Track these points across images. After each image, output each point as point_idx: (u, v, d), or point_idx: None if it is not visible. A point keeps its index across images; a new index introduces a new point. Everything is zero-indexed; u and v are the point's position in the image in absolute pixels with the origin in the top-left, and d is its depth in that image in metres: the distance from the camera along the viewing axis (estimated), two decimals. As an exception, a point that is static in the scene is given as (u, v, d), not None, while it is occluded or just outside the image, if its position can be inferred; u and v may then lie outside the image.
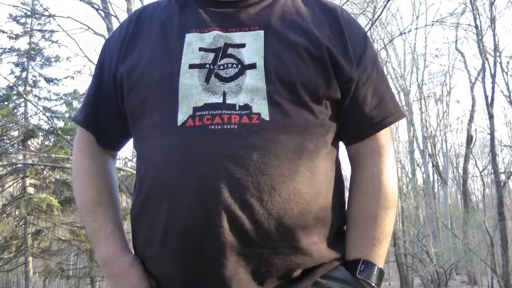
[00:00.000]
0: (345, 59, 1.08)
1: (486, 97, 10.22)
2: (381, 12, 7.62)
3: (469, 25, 12.28)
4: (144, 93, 1.07)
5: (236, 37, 1.07)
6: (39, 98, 14.39)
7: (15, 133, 12.22)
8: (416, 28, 13.51)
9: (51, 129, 12.28)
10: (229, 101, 1.01)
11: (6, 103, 13.12)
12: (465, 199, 16.23)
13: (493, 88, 10.06)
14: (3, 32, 13.39)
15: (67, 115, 13.59)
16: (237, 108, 1.00)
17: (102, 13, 6.99)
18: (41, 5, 9.76)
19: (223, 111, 1.00)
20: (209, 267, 0.97)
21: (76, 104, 13.57)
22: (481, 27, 10.47)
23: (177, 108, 1.02)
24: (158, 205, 1.00)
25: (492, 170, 10.55)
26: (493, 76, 10.17)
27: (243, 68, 1.04)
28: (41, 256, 12.83)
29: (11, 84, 12.59)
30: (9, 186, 13.70)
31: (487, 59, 10.51)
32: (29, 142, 12.49)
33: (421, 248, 11.78)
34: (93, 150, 1.20)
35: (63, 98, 14.34)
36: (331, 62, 1.06)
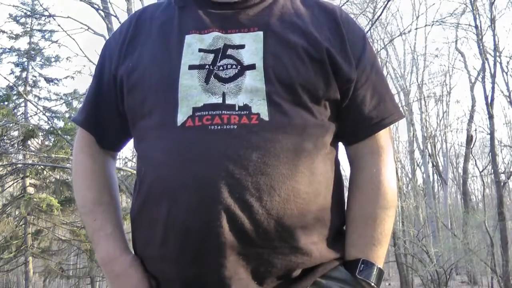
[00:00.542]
0: (344, 60, 1.08)
1: (486, 97, 10.22)
2: (381, 12, 7.63)
3: (469, 25, 12.29)
4: (144, 94, 1.07)
5: (236, 38, 1.07)
6: (39, 98, 14.40)
7: (15, 133, 12.23)
8: (416, 28, 13.49)
9: (51, 129, 12.28)
10: (228, 101, 1.01)
11: (6, 103, 13.11)
12: (465, 199, 16.22)
13: (493, 88, 10.06)
14: (3, 32, 13.40)
15: (67, 115, 13.59)
16: (237, 109, 1.00)
17: (102, 13, 6.99)
18: (41, 5, 9.78)
19: (223, 112, 1.00)
20: (208, 267, 0.97)
21: (76, 104, 13.58)
22: (481, 27, 10.47)
23: (177, 108, 1.02)
24: (158, 205, 1.01)
25: (492, 170, 10.55)
26: (493, 76, 10.17)
27: (243, 69, 1.04)
28: (41, 256, 12.83)
29: (11, 84, 12.60)
30: (9, 186, 13.71)
31: (487, 59, 10.51)
32: (29, 142, 12.49)
33: (421, 248, 11.77)
34: (93, 150, 1.20)
35: (63, 98, 14.35)
36: (330, 63, 1.07)
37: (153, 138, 1.05)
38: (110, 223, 1.14)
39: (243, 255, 0.97)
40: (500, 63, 10.85)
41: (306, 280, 1.02)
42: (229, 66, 1.05)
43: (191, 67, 1.05)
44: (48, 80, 14.43)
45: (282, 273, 1.00)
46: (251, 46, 1.06)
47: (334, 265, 1.06)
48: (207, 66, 1.05)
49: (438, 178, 18.86)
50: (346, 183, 1.18)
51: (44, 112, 11.78)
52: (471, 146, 15.26)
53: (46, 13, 9.83)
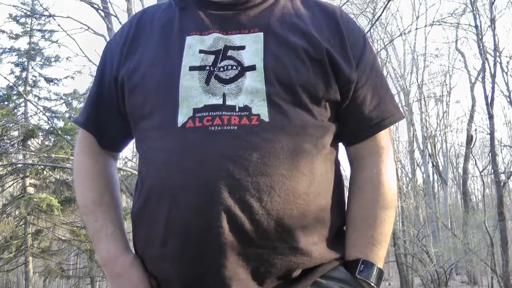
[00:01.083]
0: (344, 60, 1.08)
1: (486, 97, 10.22)
2: (381, 12, 7.62)
3: (469, 25, 12.29)
4: (145, 95, 1.08)
5: (236, 39, 1.07)
6: (39, 98, 14.39)
7: (15, 133, 12.21)
8: (416, 28, 13.50)
9: (51, 129, 12.27)
10: (229, 102, 1.01)
11: (6, 103, 13.11)
12: (465, 199, 16.22)
13: (493, 88, 10.06)
14: (3, 32, 13.39)
15: (67, 115, 13.58)
16: (237, 110, 1.01)
17: (102, 13, 6.99)
18: (41, 5, 9.75)
19: (223, 113, 1.00)
20: (209, 267, 0.97)
21: (76, 104, 13.57)
22: (481, 27, 10.47)
23: (177, 109, 1.02)
24: (158, 205, 1.01)
25: (492, 170, 10.55)
26: (493, 76, 10.17)
27: (243, 70, 1.04)
28: (41, 256, 12.83)
29: (11, 84, 12.59)
30: (9, 186, 13.70)
31: (487, 59, 10.51)
32: (29, 142, 12.48)
33: (421, 248, 11.78)
34: (94, 151, 1.20)
35: (63, 98, 14.33)
36: (330, 64, 1.07)
37: (154, 138, 1.05)
38: (111, 223, 1.14)
39: (243, 255, 0.97)
40: (500, 63, 10.86)
41: (306, 280, 1.03)
42: (229, 67, 1.05)
43: (192, 68, 1.05)
44: (48, 80, 14.42)
45: (282, 273, 1.00)
46: (251, 47, 1.06)
47: (334, 265, 1.06)
48: (207, 67, 1.05)
49: (438, 178, 18.86)
50: (346, 183, 1.18)
51: (44, 112, 11.78)
52: (471, 146, 15.26)
53: (46, 13, 9.81)
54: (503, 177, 11.34)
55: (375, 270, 1.07)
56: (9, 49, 13.85)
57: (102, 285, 14.64)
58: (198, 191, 0.97)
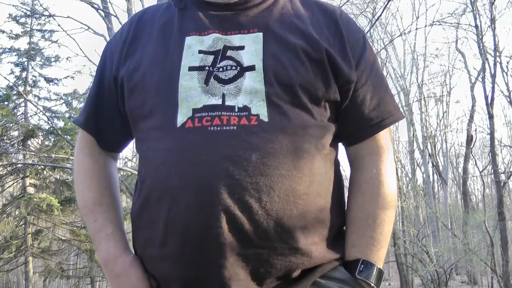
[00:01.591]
0: (344, 60, 1.08)
1: (486, 97, 10.22)
2: (381, 12, 7.62)
3: (469, 25, 12.31)
4: (145, 95, 1.08)
5: (235, 39, 1.07)
6: (39, 98, 14.38)
7: (15, 133, 12.21)
8: (416, 28, 13.52)
9: (51, 129, 12.27)
10: (228, 103, 1.01)
11: (6, 103, 13.10)
12: (465, 199, 16.23)
13: (493, 88, 10.06)
14: (3, 32, 13.38)
15: (67, 115, 13.58)
16: (236, 110, 1.01)
17: (102, 13, 6.99)
18: (41, 5, 9.75)
19: (222, 113, 1.00)
20: (208, 267, 0.97)
21: (76, 104, 13.57)
22: (481, 27, 10.47)
23: (177, 109, 1.02)
24: (158, 205, 1.01)
25: (492, 170, 10.55)
26: (493, 76, 10.17)
27: (242, 70, 1.04)
28: (41, 256, 12.82)
29: (11, 84, 12.58)
30: (9, 186, 13.69)
31: (487, 59, 10.51)
32: (29, 142, 12.48)
33: (421, 248, 11.78)
34: (94, 151, 1.20)
35: (63, 98, 14.33)
36: (329, 64, 1.07)
37: (153, 139, 1.05)
38: (110, 224, 1.14)
39: (242, 255, 0.97)
40: (500, 63, 10.86)
41: (306, 280, 1.02)
42: (228, 68, 1.05)
43: (191, 69, 1.05)
44: (48, 80, 14.42)
45: (282, 273, 1.00)
46: (250, 47, 1.06)
47: (334, 266, 1.06)
48: (207, 68, 1.05)
49: (438, 178, 18.86)
50: (346, 183, 1.18)
51: (44, 112, 11.78)
52: (471, 146, 15.27)
53: (46, 13, 9.82)
54: (503, 177, 11.34)
55: (375, 270, 1.07)
56: (9, 49, 13.85)
57: (102, 285, 14.64)
58: (197, 192, 0.97)
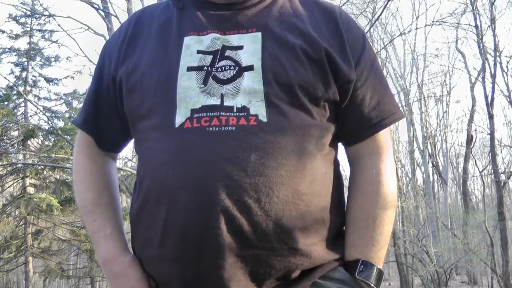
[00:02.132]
0: (343, 60, 1.08)
1: (486, 97, 10.22)
2: (381, 12, 7.62)
3: (469, 25, 12.31)
4: (143, 96, 1.07)
5: (234, 39, 1.07)
6: (39, 98, 14.38)
7: (15, 133, 12.22)
8: (416, 28, 13.51)
9: (51, 129, 12.27)
10: (226, 103, 1.01)
11: (6, 103, 13.10)
12: (465, 199, 16.22)
13: (493, 88, 10.06)
14: (3, 32, 13.38)
15: (67, 115, 13.59)
16: (235, 110, 1.00)
17: (102, 13, 6.99)
18: (41, 5, 9.75)
19: (221, 113, 1.00)
20: (207, 268, 0.97)
21: (76, 104, 13.57)
22: (481, 27, 10.47)
23: (175, 110, 1.02)
24: (156, 206, 1.01)
25: (492, 170, 10.55)
26: (493, 76, 10.17)
27: (241, 70, 1.04)
28: (41, 256, 12.82)
29: (11, 84, 12.59)
30: (9, 186, 13.69)
31: (487, 59, 10.52)
32: (29, 142, 12.48)
33: (421, 248, 11.78)
34: (93, 151, 1.20)
35: (63, 98, 14.33)
36: (329, 63, 1.06)
37: (152, 139, 1.05)
38: (109, 224, 1.14)
39: (241, 256, 0.97)
40: (500, 63, 10.87)
41: (305, 281, 1.02)
42: (227, 68, 1.04)
43: (190, 69, 1.05)
44: (48, 80, 14.42)
45: (281, 274, 1.00)
46: (249, 47, 1.06)
47: (334, 266, 1.06)
48: (205, 68, 1.05)
49: (438, 178, 18.85)
50: (346, 183, 1.18)
51: (44, 112, 11.78)
52: (471, 146, 15.27)
53: (46, 12, 9.82)
54: (503, 177, 11.33)
55: (374, 271, 1.06)
56: (9, 49, 13.85)
57: (102, 285, 14.65)
58: (196, 192, 0.96)
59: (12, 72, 14.21)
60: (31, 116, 13.84)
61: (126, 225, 1.30)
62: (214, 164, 0.96)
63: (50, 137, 13.10)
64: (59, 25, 9.54)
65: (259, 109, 1.00)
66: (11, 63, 14.22)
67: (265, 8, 1.12)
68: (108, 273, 1.12)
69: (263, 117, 1.00)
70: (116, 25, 6.85)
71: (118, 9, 10.95)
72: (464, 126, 16.41)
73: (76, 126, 1.25)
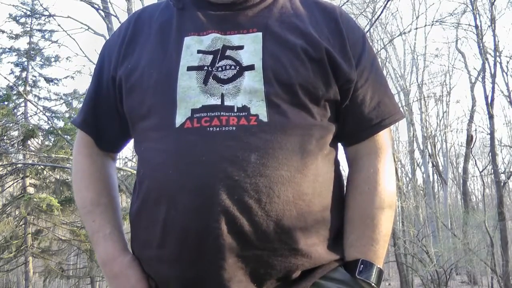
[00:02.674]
0: (344, 60, 1.08)
1: (486, 97, 10.23)
2: (381, 12, 7.62)
3: (469, 25, 12.32)
4: (143, 95, 1.07)
5: (235, 39, 1.07)
6: (39, 98, 14.39)
7: (15, 133, 12.22)
8: (416, 28, 13.50)
9: (51, 129, 12.27)
10: (227, 103, 1.01)
11: (6, 103, 13.09)
12: (465, 199, 16.23)
13: (493, 88, 10.07)
14: (3, 32, 13.38)
15: (67, 115, 13.60)
16: (235, 110, 1.00)
17: (102, 13, 6.99)
18: (41, 5, 9.76)
19: (221, 113, 1.00)
20: (207, 269, 0.97)
21: (76, 104, 13.58)
22: (481, 27, 10.47)
23: (175, 110, 1.02)
24: (156, 206, 1.01)
25: (492, 170, 10.55)
26: (493, 76, 10.18)
27: (241, 69, 1.03)
28: (41, 256, 12.82)
29: (11, 84, 12.58)
30: (9, 186, 13.70)
31: (487, 59, 10.52)
32: (29, 142, 12.47)
33: (421, 248, 11.78)
34: (92, 151, 1.20)
35: (63, 98, 14.34)
36: (329, 63, 1.06)
37: (151, 139, 1.05)
38: (108, 224, 1.14)
39: (242, 257, 0.96)
40: (500, 63, 10.87)
41: (306, 281, 1.02)
42: (227, 67, 1.04)
43: (190, 68, 1.05)
44: (48, 80, 14.42)
45: (282, 275, 1.00)
46: (250, 47, 1.05)
47: (334, 266, 1.06)
48: (205, 67, 1.05)
49: (438, 178, 18.86)
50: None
51: (44, 112, 11.79)
52: (471, 146, 15.27)
53: (46, 12, 9.83)
54: (503, 177, 11.34)
55: (374, 270, 1.06)
56: (9, 49, 13.85)
57: (102, 285, 14.65)
58: (196, 193, 0.96)
59: (12, 72, 14.22)
60: (31, 116, 13.84)
61: (126, 225, 1.30)
62: (214, 164, 0.96)
63: (50, 137, 13.10)
64: (59, 25, 9.52)
65: (259, 109, 1.00)
66: (11, 63, 14.23)
67: (266, 8, 1.12)
68: (107, 273, 1.12)
69: (263, 117, 1.00)
70: (116, 25, 6.85)
71: (118, 9, 10.94)
72: (464, 126, 16.44)
73: (75, 126, 1.25)
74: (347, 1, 7.88)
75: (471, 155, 15.31)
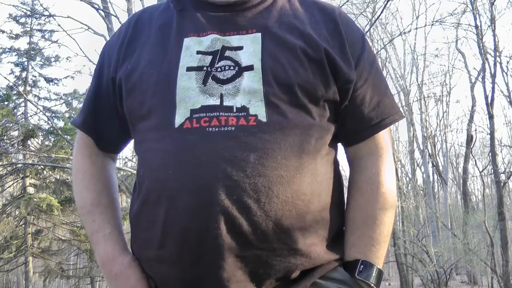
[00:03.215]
0: (343, 60, 1.08)
1: (486, 97, 10.21)
2: (381, 12, 7.62)
3: (469, 25, 12.31)
4: (142, 96, 1.07)
5: (234, 40, 1.07)
6: (39, 98, 14.40)
7: (15, 133, 12.23)
8: (416, 28, 13.49)
9: (51, 129, 12.29)
10: (226, 103, 1.01)
11: (6, 103, 13.10)
12: (465, 199, 16.22)
13: (493, 88, 10.05)
14: (3, 32, 13.39)
15: (67, 115, 13.61)
16: (234, 110, 1.00)
17: (102, 13, 6.99)
18: (41, 5, 9.75)
19: (220, 113, 1.00)
20: (207, 269, 0.97)
21: (76, 104, 13.60)
22: (481, 27, 10.46)
23: (175, 110, 1.02)
24: (156, 207, 1.01)
25: (492, 170, 10.55)
26: (493, 76, 10.16)
27: (241, 70, 1.04)
28: (41, 256, 12.83)
29: (11, 84, 12.59)
30: (9, 186, 13.71)
31: (487, 59, 10.51)
32: (29, 142, 12.49)
33: (421, 248, 11.78)
34: (92, 152, 1.20)
35: (63, 98, 14.36)
36: (329, 63, 1.06)
37: (151, 140, 1.05)
38: (108, 224, 1.14)
39: (241, 257, 0.97)
40: (500, 63, 10.86)
41: (305, 281, 1.02)
42: (227, 68, 1.04)
43: (189, 69, 1.05)
44: (48, 80, 14.43)
45: (281, 274, 1.00)
46: (249, 47, 1.06)
47: (333, 266, 1.06)
48: (205, 68, 1.05)
49: (438, 178, 18.85)
50: (346, 183, 1.18)
51: (44, 112, 11.79)
52: (471, 146, 15.26)
53: (46, 12, 9.83)
54: (503, 177, 11.32)
55: (374, 271, 1.06)
56: (9, 49, 13.86)
57: (102, 285, 14.65)
58: (195, 193, 0.96)
59: (12, 72, 14.23)
60: (31, 116, 13.85)
61: (126, 225, 1.30)
62: (213, 164, 0.96)
63: (50, 137, 13.12)
64: (59, 25, 9.55)
65: (258, 109, 1.00)
66: (11, 63, 14.25)
67: (265, 9, 1.12)
68: (107, 274, 1.12)
69: (262, 117, 1.00)
70: (116, 25, 6.85)
71: (118, 9, 10.98)
72: (464, 126, 16.43)
73: (75, 127, 1.25)
74: (347, 1, 7.88)
75: (471, 155, 15.31)
